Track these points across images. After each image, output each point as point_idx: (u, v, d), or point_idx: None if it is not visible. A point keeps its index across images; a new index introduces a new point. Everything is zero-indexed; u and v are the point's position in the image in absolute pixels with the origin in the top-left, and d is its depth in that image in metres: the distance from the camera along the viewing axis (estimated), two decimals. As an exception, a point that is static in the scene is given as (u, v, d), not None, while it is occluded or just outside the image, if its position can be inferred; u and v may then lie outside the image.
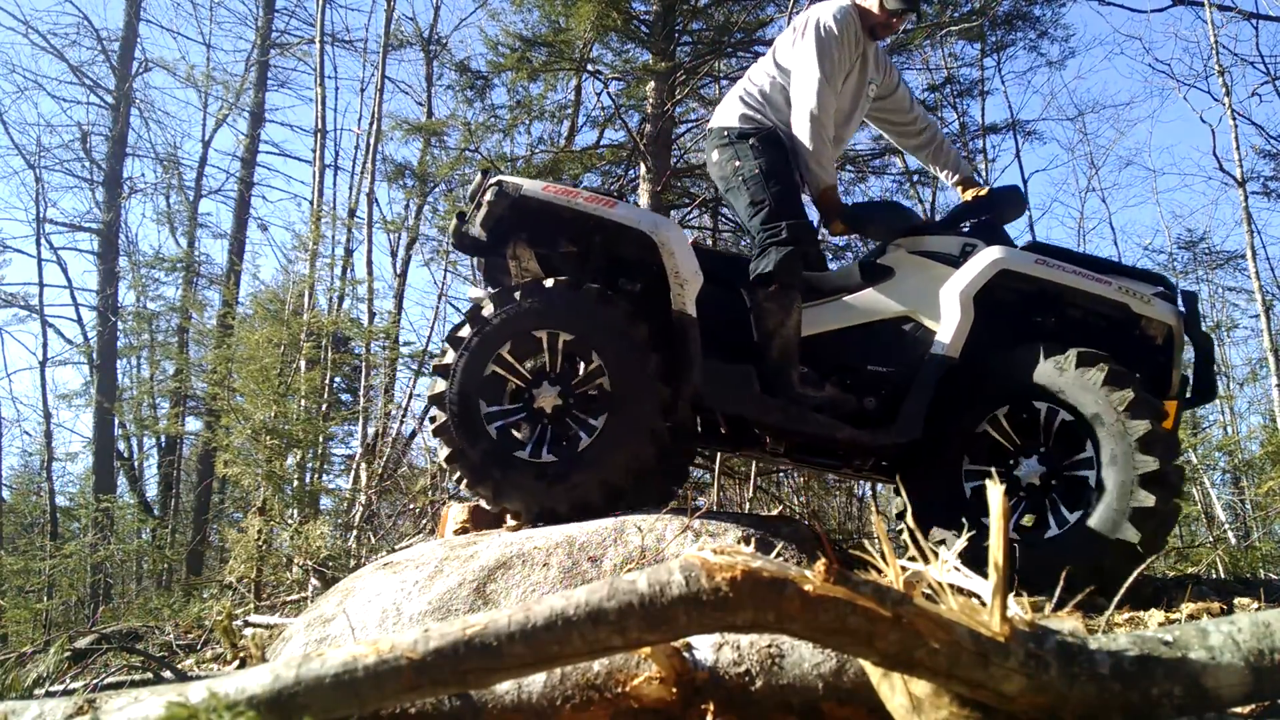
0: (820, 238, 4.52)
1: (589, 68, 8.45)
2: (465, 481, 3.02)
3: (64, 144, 15.49)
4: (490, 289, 3.34)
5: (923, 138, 3.70)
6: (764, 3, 8.25)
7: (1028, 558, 2.73)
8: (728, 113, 3.44)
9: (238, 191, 14.96)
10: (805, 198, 3.44)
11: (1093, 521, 2.73)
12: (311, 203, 11.15)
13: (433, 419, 3.09)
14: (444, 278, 10.90)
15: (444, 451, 3.05)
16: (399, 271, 11.25)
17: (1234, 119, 8.54)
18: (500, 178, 3.14)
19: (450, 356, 3.06)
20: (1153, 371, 3.01)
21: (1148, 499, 2.66)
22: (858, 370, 3.22)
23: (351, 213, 10.90)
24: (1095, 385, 2.78)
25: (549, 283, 3.06)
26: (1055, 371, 2.86)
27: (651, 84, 8.05)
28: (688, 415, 3.19)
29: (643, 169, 8.10)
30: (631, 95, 8.64)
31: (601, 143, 9.32)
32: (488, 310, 3.05)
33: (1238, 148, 8.60)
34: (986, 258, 3.05)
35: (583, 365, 3.06)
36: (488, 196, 3.12)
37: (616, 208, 3.12)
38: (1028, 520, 2.93)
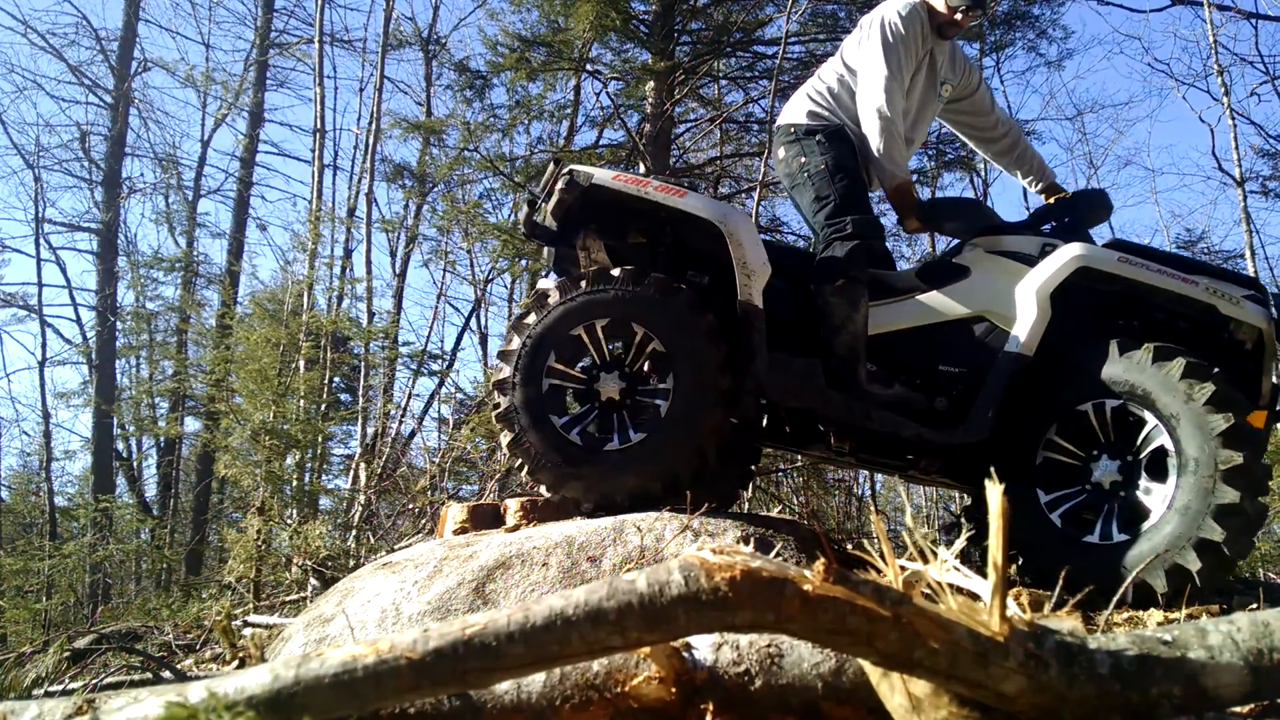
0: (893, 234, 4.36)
1: (588, 67, 8.46)
2: (495, 411, 3.06)
3: (63, 144, 15.51)
4: (558, 279, 3.33)
5: (1004, 143, 3.62)
6: (763, 3, 8.26)
7: (1055, 550, 2.71)
8: (795, 110, 3.42)
9: (237, 191, 14.98)
10: (873, 196, 3.41)
11: (1132, 551, 2.65)
12: (310, 203, 11.15)
13: (508, 336, 3.13)
14: (443, 278, 10.91)
15: (499, 374, 3.07)
16: (398, 271, 11.26)
17: (1233, 118, 8.56)
18: (572, 167, 3.15)
19: (555, 296, 3.06)
20: (1240, 378, 2.84)
21: (1194, 562, 2.56)
22: (929, 370, 3.15)
23: (350, 212, 10.91)
24: (1210, 432, 2.59)
25: (681, 290, 3.03)
26: (1184, 395, 2.66)
27: (651, 84, 8.06)
28: (752, 411, 3.15)
29: (642, 169, 8.10)
30: (631, 95, 8.66)
31: (601, 142, 9.34)
32: (615, 273, 3.04)
33: (1236, 147, 8.62)
34: (1065, 254, 2.97)
35: (655, 378, 3.06)
36: (559, 185, 3.12)
37: (686, 197, 3.10)
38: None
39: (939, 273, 3.26)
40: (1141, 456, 2.79)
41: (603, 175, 3.12)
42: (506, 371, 3.04)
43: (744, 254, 3.01)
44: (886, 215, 5.45)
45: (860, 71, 3.28)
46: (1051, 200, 3.40)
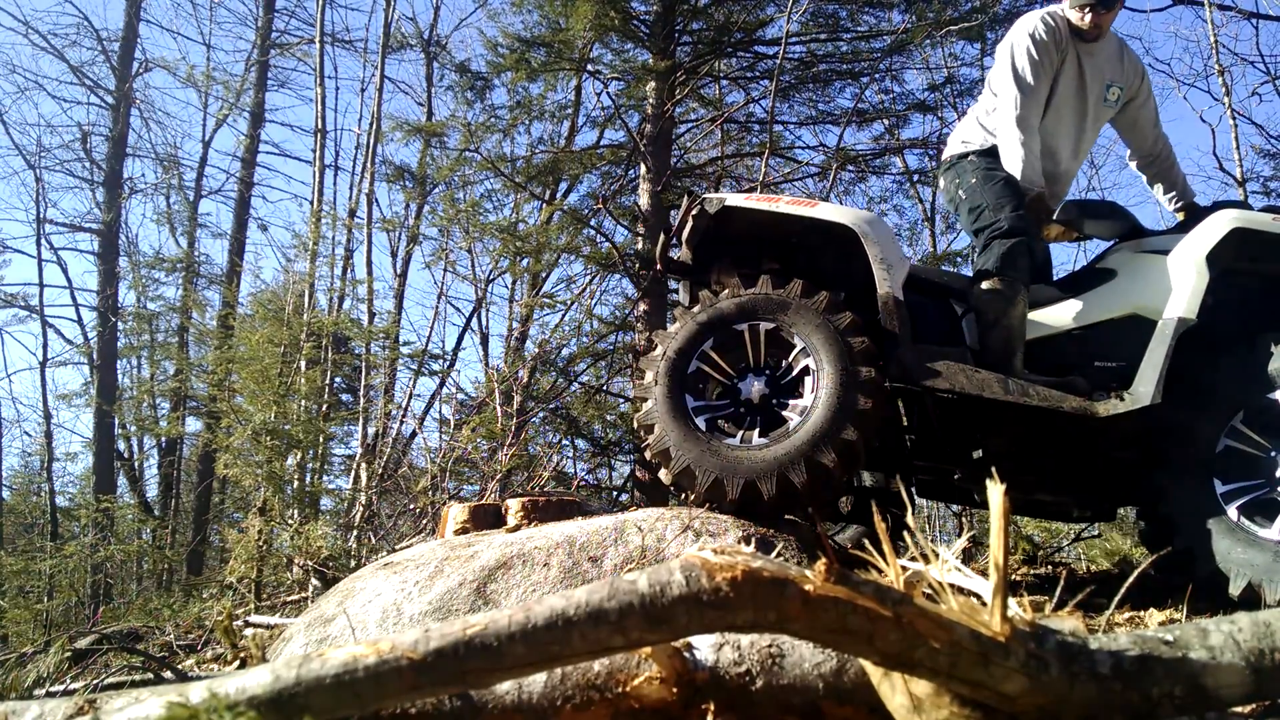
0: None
1: (589, 68, 8.45)
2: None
3: (64, 144, 15.51)
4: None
5: (1156, 153, 3.56)
6: (764, 3, 8.25)
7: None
8: (951, 144, 3.52)
9: (238, 191, 14.97)
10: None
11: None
12: (311, 203, 11.15)
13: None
14: (444, 278, 10.90)
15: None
16: (399, 272, 11.24)
17: (1234, 119, 8.53)
18: (704, 195, 3.25)
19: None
20: None
21: None
22: (1084, 368, 3.09)
23: (352, 213, 10.89)
24: None
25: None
26: None
27: (651, 84, 8.05)
28: (894, 424, 3.14)
29: (643, 169, 8.09)
30: (631, 95, 8.64)
31: (601, 143, 9.33)
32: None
33: (1237, 147, 8.58)
34: (1220, 218, 2.90)
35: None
36: (692, 214, 3.22)
37: (818, 207, 3.16)
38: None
39: (1086, 279, 3.24)
40: None
41: (735, 198, 3.23)
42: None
43: (880, 250, 3.05)
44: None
45: (996, 95, 3.32)
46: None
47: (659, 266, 3.53)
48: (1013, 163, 3.19)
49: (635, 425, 3.13)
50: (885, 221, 3.24)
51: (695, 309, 3.13)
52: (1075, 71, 3.32)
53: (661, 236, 3.46)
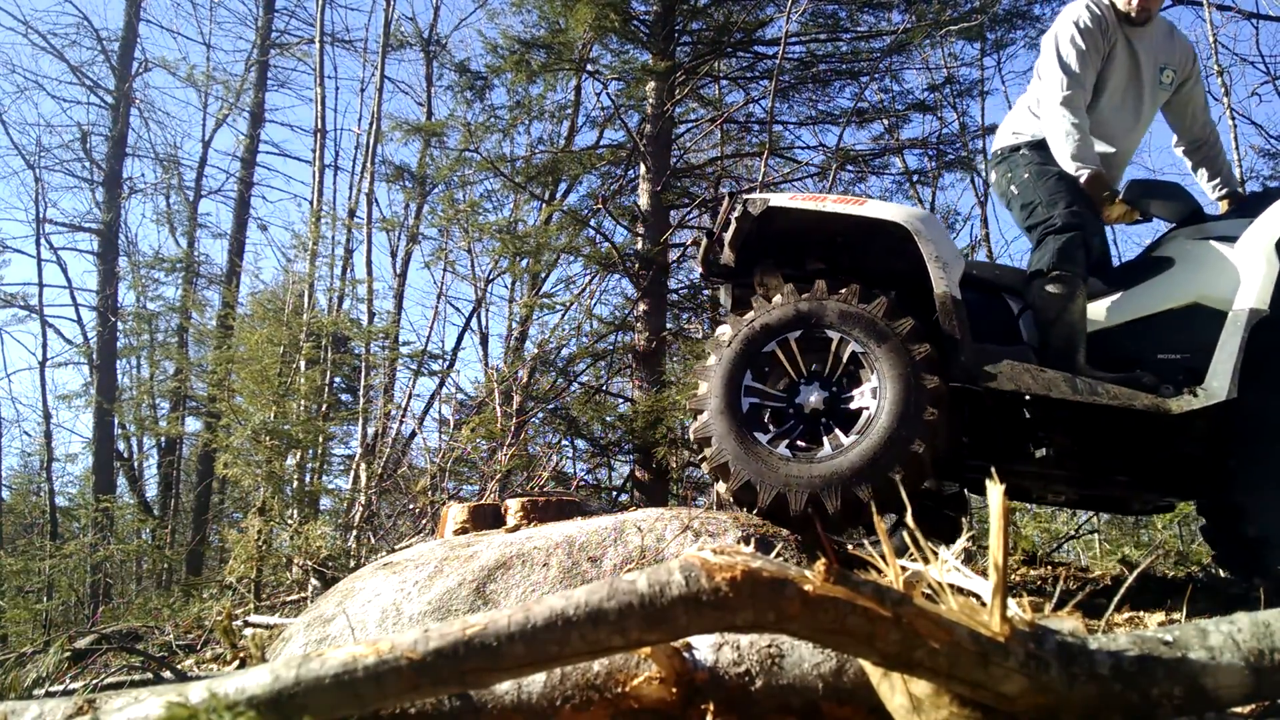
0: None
1: (588, 68, 8.46)
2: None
3: (64, 144, 15.55)
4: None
5: (1202, 136, 3.52)
6: (764, 3, 8.25)
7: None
8: (1001, 135, 3.47)
9: (238, 191, 14.99)
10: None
11: None
12: (311, 203, 11.15)
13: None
14: (443, 278, 10.90)
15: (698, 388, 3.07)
16: (399, 272, 11.24)
17: (1233, 119, 8.52)
18: (746, 196, 3.18)
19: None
20: None
21: None
22: (1147, 360, 3.01)
23: (351, 213, 10.89)
24: None
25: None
26: None
27: (651, 84, 8.06)
28: (954, 442, 3.07)
29: (642, 169, 8.10)
30: (631, 95, 8.65)
31: (601, 143, 9.34)
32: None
33: (1237, 148, 8.55)
34: None
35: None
36: (734, 215, 3.16)
37: (866, 205, 3.08)
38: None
39: (1141, 269, 3.19)
40: None
41: (779, 198, 3.14)
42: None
43: (935, 248, 2.96)
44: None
45: (1043, 82, 3.28)
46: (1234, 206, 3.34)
47: (701, 270, 3.45)
48: (1061, 145, 3.13)
49: (693, 373, 3.06)
50: (937, 218, 3.14)
51: (804, 295, 3.01)
52: (1127, 56, 3.28)
53: (704, 240, 3.38)
